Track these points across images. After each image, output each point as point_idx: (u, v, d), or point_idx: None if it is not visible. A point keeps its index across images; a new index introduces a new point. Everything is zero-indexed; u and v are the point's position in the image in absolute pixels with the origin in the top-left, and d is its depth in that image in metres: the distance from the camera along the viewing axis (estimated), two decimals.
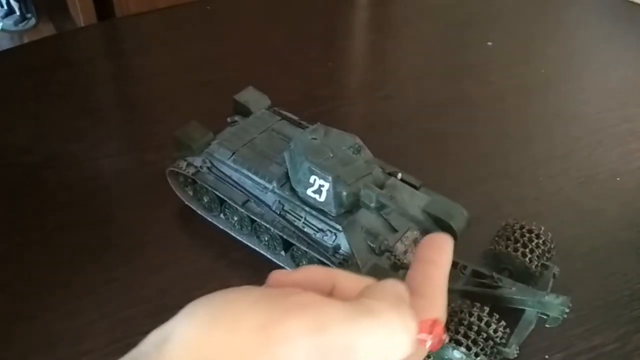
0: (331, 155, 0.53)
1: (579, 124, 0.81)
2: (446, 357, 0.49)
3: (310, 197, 0.54)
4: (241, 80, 0.69)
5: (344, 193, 0.52)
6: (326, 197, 0.53)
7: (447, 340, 0.51)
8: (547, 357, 0.54)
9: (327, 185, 0.52)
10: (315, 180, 0.53)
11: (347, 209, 0.54)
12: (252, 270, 0.58)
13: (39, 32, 1.97)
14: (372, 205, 0.52)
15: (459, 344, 0.48)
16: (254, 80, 0.69)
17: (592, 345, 0.55)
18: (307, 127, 0.64)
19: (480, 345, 0.48)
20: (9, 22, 1.98)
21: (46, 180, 0.70)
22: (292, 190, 0.56)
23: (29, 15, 2.00)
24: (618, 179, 0.72)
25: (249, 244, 0.61)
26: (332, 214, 0.54)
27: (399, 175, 0.59)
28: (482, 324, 0.49)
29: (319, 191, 0.53)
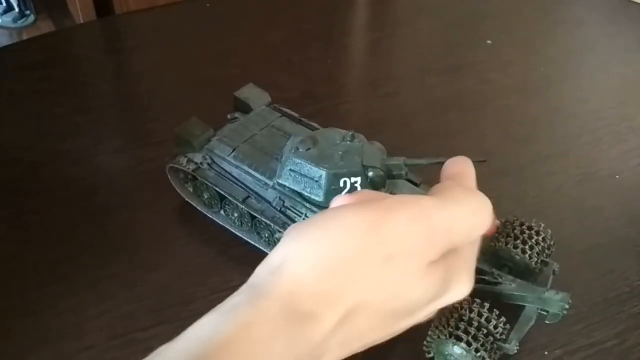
0: (340, 153, 0.52)
1: (579, 122, 0.81)
2: (447, 353, 0.50)
3: None
4: (241, 77, 0.70)
5: (375, 175, 0.51)
6: None
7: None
8: (546, 353, 0.54)
9: (359, 180, 0.51)
10: (346, 182, 0.51)
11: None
12: (252, 267, 0.57)
13: (38, 29, 1.97)
14: (404, 173, 0.52)
15: (459, 340, 0.48)
16: (254, 78, 0.69)
17: (592, 341, 0.55)
18: (308, 124, 0.64)
19: (480, 341, 0.48)
20: (7, 19, 1.98)
21: (45, 178, 0.70)
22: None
23: (28, 12, 2.00)
24: (617, 176, 0.72)
25: (249, 240, 0.61)
26: None
27: None
28: (483, 320, 0.49)
29: (353, 189, 0.52)
